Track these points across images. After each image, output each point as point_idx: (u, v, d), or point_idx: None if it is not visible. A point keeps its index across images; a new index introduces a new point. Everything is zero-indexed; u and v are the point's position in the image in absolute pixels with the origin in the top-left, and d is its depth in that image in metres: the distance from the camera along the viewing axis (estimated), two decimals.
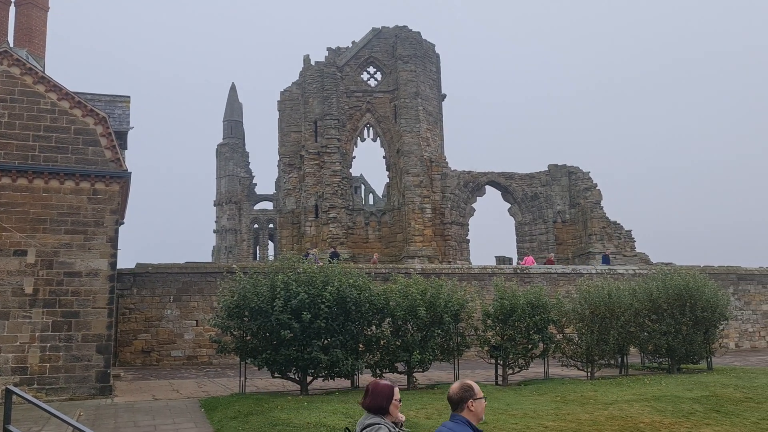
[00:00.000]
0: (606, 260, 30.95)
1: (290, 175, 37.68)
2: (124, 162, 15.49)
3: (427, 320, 14.71)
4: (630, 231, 35.15)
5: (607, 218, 35.06)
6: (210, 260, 52.36)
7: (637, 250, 34.78)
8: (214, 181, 59.37)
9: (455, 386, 4.12)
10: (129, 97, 18.97)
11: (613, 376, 16.81)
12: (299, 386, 14.18)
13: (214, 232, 58.38)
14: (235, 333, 14.25)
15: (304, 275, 14.20)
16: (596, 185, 36.26)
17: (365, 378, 15.44)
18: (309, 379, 14.23)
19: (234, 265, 19.01)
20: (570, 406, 11.80)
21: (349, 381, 14.78)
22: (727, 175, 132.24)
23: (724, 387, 13.65)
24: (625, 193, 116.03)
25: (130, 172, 15.42)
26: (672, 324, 17.20)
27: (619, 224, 35.09)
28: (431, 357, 14.88)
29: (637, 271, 25.94)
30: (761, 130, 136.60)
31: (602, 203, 35.63)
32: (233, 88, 62.39)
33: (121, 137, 17.63)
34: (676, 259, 29.95)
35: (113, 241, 14.75)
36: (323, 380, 14.44)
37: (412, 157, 34.96)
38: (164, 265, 21.88)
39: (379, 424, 4.15)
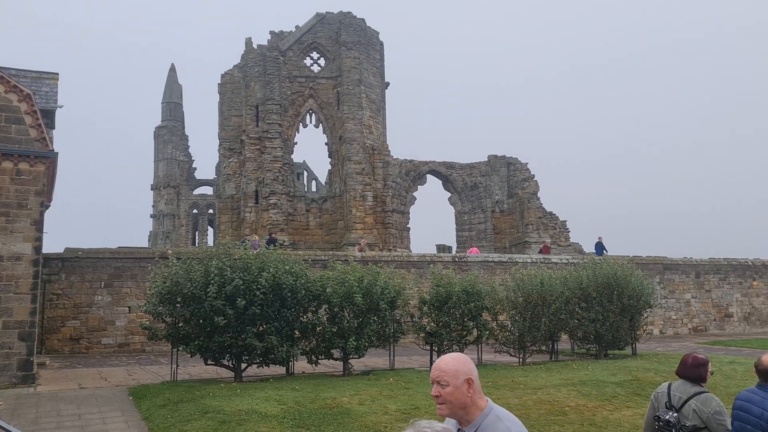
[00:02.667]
0: (599, 249, 31.12)
1: (230, 160, 37.04)
2: (51, 142, 14.83)
3: (364, 307, 14.74)
4: (565, 221, 36.17)
5: (543, 208, 35.96)
6: (147, 246, 50.96)
7: (572, 240, 35.86)
8: (151, 164, 57.72)
9: (765, 359, 4.78)
10: (57, 74, 18.14)
11: (544, 361, 17.31)
12: (233, 373, 14.01)
13: (152, 216, 56.80)
14: (167, 320, 13.94)
15: (240, 261, 13.99)
16: (534, 176, 37.13)
17: (300, 365, 15.40)
18: (243, 366, 14.07)
19: (168, 251, 18.60)
20: (501, 390, 12.08)
21: (284, 368, 14.69)
22: (657, 167, 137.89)
23: (645, 371, 14.29)
24: (561, 183, 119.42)
25: (57, 153, 14.77)
26: (600, 311, 17.83)
27: (554, 215, 36.02)
28: (367, 344, 14.94)
29: (570, 261, 26.71)
30: (693, 122, 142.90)
31: (539, 194, 36.53)
32: (173, 69, 60.66)
33: (49, 116, 16.87)
34: (607, 249, 30.97)
35: (38, 224, 14.11)
36: (258, 367, 14.30)
37: (354, 144, 34.91)
38: (95, 249, 21.14)
39: (707, 392, 4.68)
